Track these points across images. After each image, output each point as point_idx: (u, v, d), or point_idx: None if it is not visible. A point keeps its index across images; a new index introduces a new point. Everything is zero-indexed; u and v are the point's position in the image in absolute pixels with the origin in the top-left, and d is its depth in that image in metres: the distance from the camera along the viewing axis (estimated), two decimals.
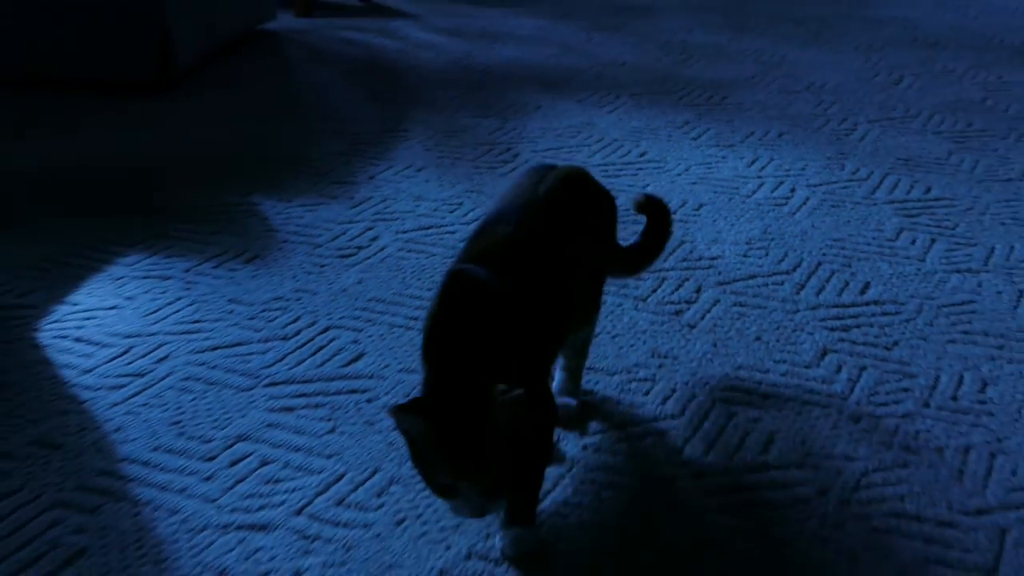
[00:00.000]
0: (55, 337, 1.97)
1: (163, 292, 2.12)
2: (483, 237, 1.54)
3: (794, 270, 2.22)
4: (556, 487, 1.57)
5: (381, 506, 1.54)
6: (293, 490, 1.57)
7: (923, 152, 2.86)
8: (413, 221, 2.44)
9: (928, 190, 2.61)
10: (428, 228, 2.40)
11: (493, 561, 1.43)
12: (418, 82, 3.47)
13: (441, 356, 1.38)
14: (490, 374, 1.35)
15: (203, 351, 1.92)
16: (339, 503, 1.55)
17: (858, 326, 2.01)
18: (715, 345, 1.95)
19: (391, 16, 4.38)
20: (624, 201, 2.54)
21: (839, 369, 1.87)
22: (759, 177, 2.70)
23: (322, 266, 2.23)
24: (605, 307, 2.06)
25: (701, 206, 2.52)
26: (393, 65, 3.68)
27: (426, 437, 1.31)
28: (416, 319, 2.01)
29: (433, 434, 1.30)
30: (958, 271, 2.21)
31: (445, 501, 1.40)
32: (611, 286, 2.14)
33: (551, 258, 1.57)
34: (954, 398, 1.79)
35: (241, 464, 1.63)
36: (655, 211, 1.86)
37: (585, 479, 1.60)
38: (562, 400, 1.72)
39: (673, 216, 1.88)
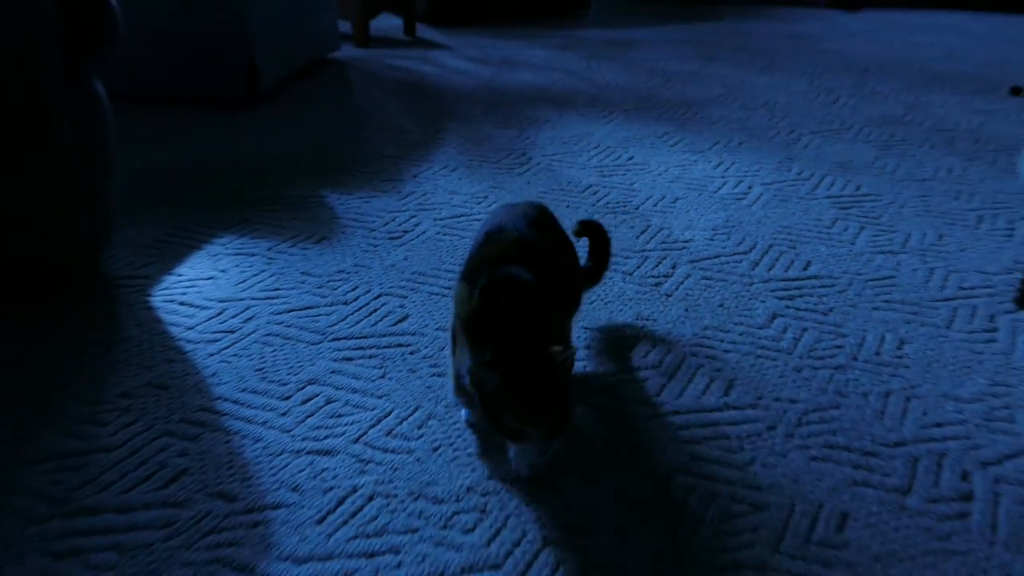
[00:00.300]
0: (164, 301, 1.97)
1: (250, 266, 2.13)
2: (493, 242, 1.55)
3: (750, 251, 2.21)
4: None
5: (421, 436, 1.54)
6: (351, 423, 1.58)
7: (855, 157, 2.84)
8: (448, 210, 2.43)
9: (858, 188, 2.60)
10: (460, 216, 2.40)
11: (508, 480, 1.43)
12: (452, 100, 3.46)
13: (503, 331, 1.40)
14: (542, 340, 1.40)
15: (281, 313, 1.93)
16: (388, 433, 1.55)
17: (801, 295, 2.00)
18: (687, 310, 1.94)
19: (431, 47, 4.37)
20: (616, 196, 2.53)
21: (785, 330, 1.87)
22: (723, 177, 2.68)
23: (375, 246, 2.23)
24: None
25: (677, 199, 2.51)
26: (432, 86, 3.67)
27: (499, 389, 1.33)
28: (449, 288, 2.00)
29: (505, 387, 1.33)
30: (881, 252, 2.20)
31: (512, 444, 1.42)
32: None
33: (553, 251, 1.60)
34: (877, 353, 1.78)
35: (310, 402, 1.63)
36: (593, 232, 1.89)
37: (583, 415, 1.60)
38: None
39: (608, 234, 1.89)
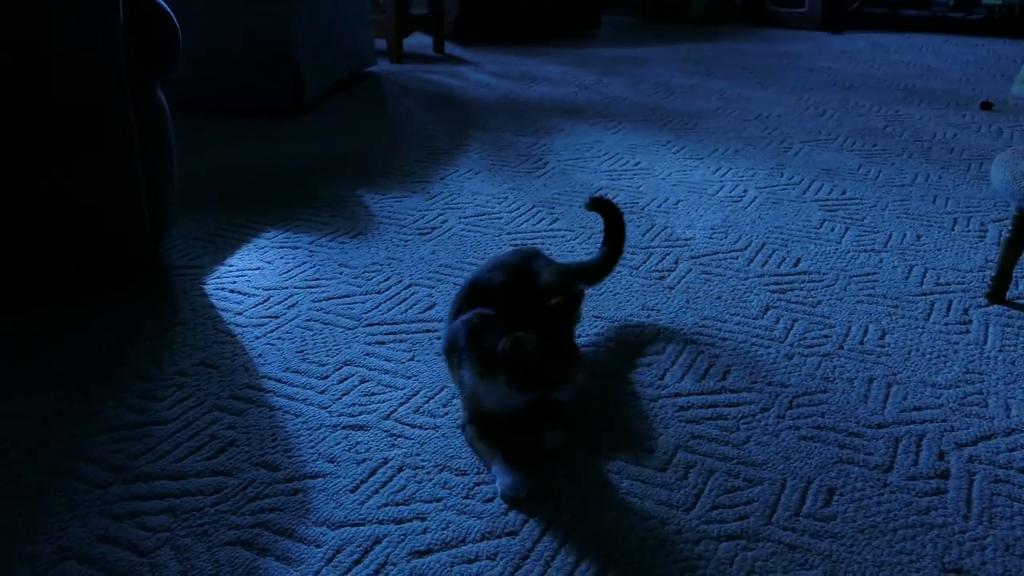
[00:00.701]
0: (216, 289, 1.96)
1: (293, 258, 2.11)
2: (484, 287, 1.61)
3: (746, 248, 2.17)
4: (572, 402, 1.55)
5: (446, 414, 1.52)
6: (383, 401, 1.56)
7: (840, 165, 2.80)
8: (472, 209, 2.41)
9: (844, 192, 2.55)
10: (482, 215, 2.37)
11: (523, 450, 1.41)
12: (476, 110, 3.44)
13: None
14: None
15: (321, 300, 1.91)
16: (416, 411, 1.53)
17: (792, 289, 1.96)
18: (687, 302, 1.91)
19: (458, 63, 4.34)
20: (624, 197, 2.50)
21: (778, 320, 1.83)
22: (721, 181, 2.65)
23: (406, 241, 2.20)
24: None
25: (679, 201, 2.48)
26: (458, 98, 3.64)
27: (539, 347, 1.36)
28: None
29: (542, 345, 1.37)
30: (865, 251, 2.16)
31: (555, 393, 1.45)
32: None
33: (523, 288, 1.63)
34: (861, 343, 1.75)
35: (346, 382, 1.61)
36: (605, 210, 1.82)
37: (594, 396, 1.57)
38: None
39: (623, 212, 1.82)
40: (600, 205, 1.81)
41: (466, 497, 1.32)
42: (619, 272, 2.03)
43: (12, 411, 1.52)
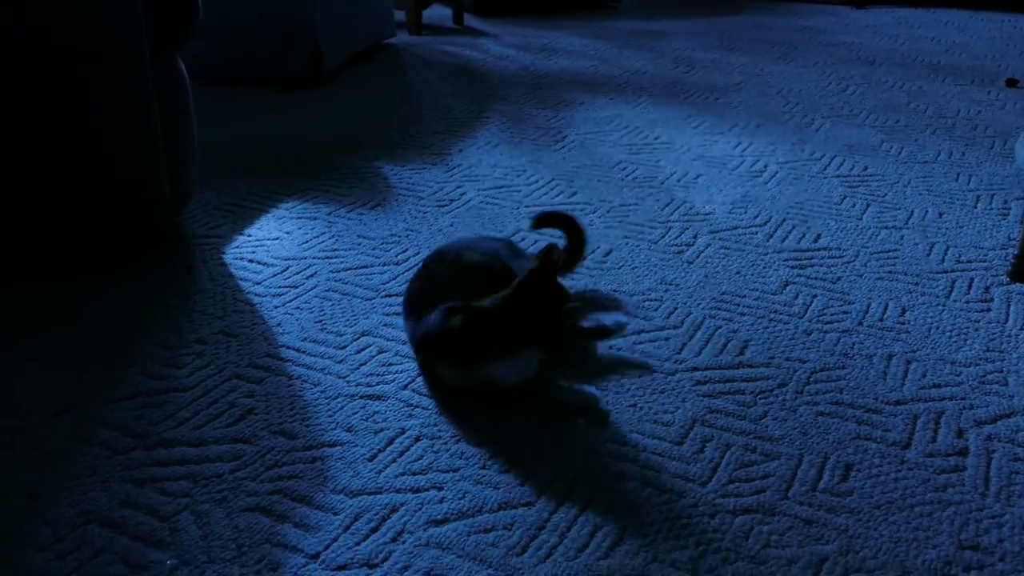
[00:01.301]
0: (235, 259, 1.96)
1: (311, 228, 2.11)
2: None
3: (765, 224, 2.16)
4: (595, 377, 1.55)
5: None
6: (400, 371, 1.56)
7: (862, 140, 2.77)
8: (491, 181, 2.40)
9: (865, 168, 2.53)
10: (501, 187, 2.37)
11: (536, 420, 1.41)
12: (495, 82, 3.42)
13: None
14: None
15: (339, 271, 1.91)
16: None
17: (812, 265, 1.95)
18: (706, 276, 1.90)
19: (477, 35, 4.31)
20: (643, 171, 2.48)
21: (797, 296, 1.82)
22: (741, 156, 2.63)
23: (424, 212, 2.20)
24: (629, 245, 2.02)
25: (698, 176, 2.46)
26: (477, 70, 3.62)
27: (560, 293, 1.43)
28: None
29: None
30: (886, 227, 2.14)
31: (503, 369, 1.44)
32: (631, 235, 2.10)
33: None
34: (881, 319, 1.74)
35: (364, 352, 1.62)
36: (552, 221, 1.84)
37: (612, 370, 1.57)
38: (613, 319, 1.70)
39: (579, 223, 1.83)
40: (546, 220, 1.83)
41: (483, 468, 1.33)
42: (638, 246, 2.02)
43: (35, 377, 1.53)
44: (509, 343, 1.42)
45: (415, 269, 1.90)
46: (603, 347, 1.63)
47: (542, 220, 1.83)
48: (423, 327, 1.49)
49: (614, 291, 1.83)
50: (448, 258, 1.63)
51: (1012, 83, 3.44)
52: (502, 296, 1.43)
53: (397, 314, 1.73)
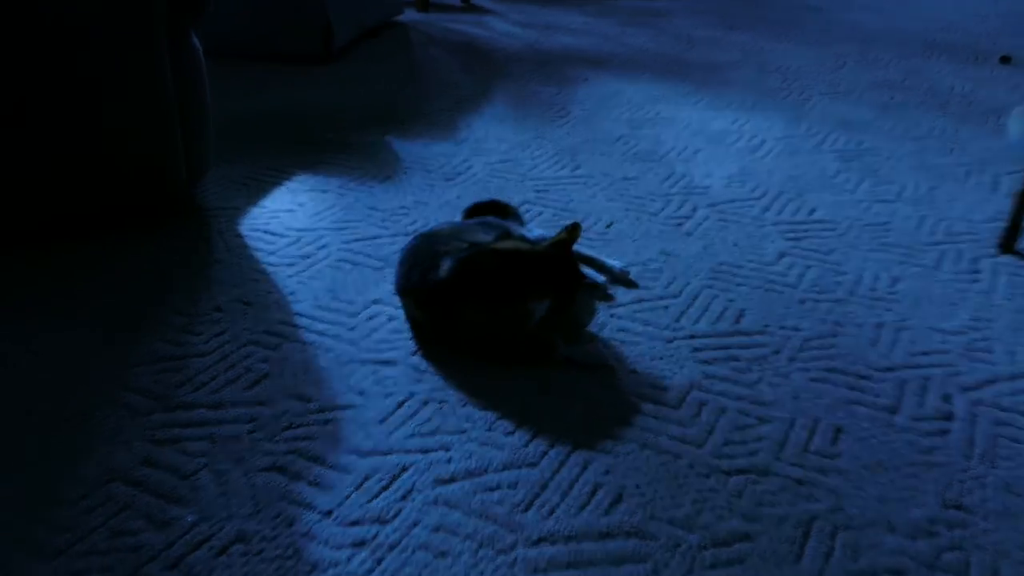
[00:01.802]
0: (250, 230, 1.97)
1: (323, 200, 2.12)
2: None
3: (762, 197, 2.16)
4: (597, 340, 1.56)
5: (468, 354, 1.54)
6: (409, 338, 1.57)
7: (857, 117, 2.76)
8: (497, 156, 2.40)
9: (860, 143, 2.53)
10: (506, 160, 2.37)
11: (539, 385, 1.43)
12: (500, 59, 3.41)
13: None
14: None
15: (350, 242, 1.92)
16: (441, 348, 1.54)
17: (807, 237, 1.96)
18: (705, 247, 1.91)
19: (483, 13, 4.29)
20: (645, 145, 2.48)
21: (792, 267, 1.83)
22: (739, 131, 2.62)
23: (432, 185, 2.21)
24: (630, 217, 2.03)
25: (698, 151, 2.46)
26: (483, 47, 3.61)
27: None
28: None
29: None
30: (879, 201, 2.15)
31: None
32: (632, 208, 2.10)
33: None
34: (872, 289, 1.75)
35: (374, 320, 1.63)
36: (488, 209, 1.89)
37: (613, 337, 1.59)
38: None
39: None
40: (482, 209, 1.87)
41: (488, 430, 1.35)
42: (638, 218, 2.03)
43: (61, 343, 1.55)
44: (541, 289, 1.47)
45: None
46: (603, 312, 1.65)
47: (474, 209, 1.88)
48: (445, 268, 1.48)
49: (614, 262, 1.85)
50: (445, 225, 1.68)
51: (1005, 60, 3.42)
52: (536, 247, 1.50)
53: None
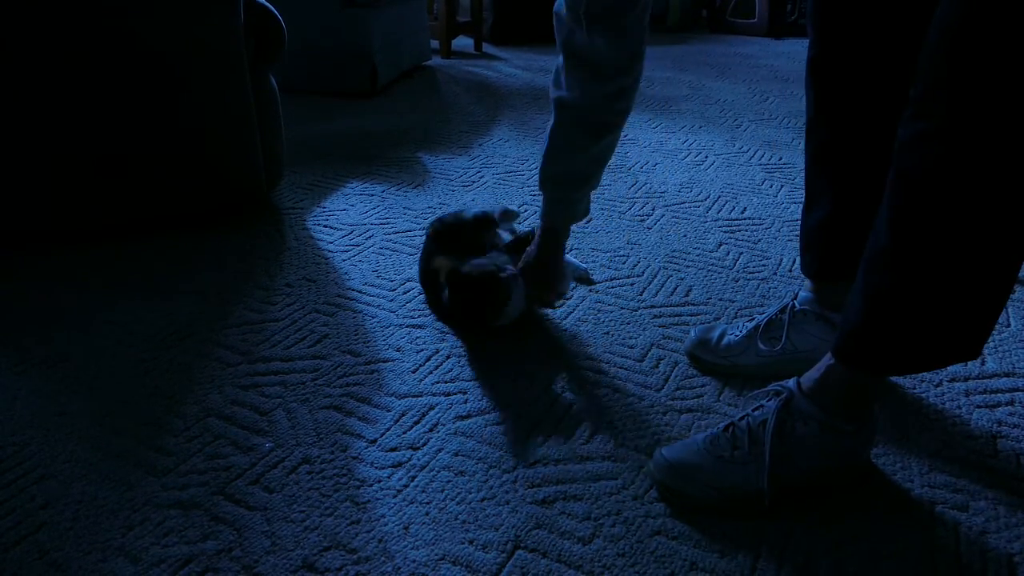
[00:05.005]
0: (313, 224, 1.95)
1: (370, 202, 2.09)
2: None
3: (706, 200, 2.13)
4: (575, 311, 1.54)
5: None
6: None
7: (779, 138, 2.72)
8: (504, 167, 2.37)
9: (780, 158, 2.49)
10: (511, 172, 2.33)
11: (532, 346, 1.40)
12: (506, 94, 3.36)
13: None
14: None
15: (391, 234, 1.89)
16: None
17: (740, 230, 1.93)
18: (661, 238, 1.88)
19: (492, 59, 4.23)
20: (615, 160, 2.45)
21: (728, 253, 1.80)
22: (688, 149, 2.58)
23: (453, 190, 2.18)
24: (603, 216, 2.00)
25: (656, 164, 2.42)
26: (493, 85, 3.56)
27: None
28: None
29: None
30: (795, 203, 2.11)
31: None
32: (606, 208, 2.07)
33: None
34: (790, 271, 1.72)
35: (408, 293, 1.61)
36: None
37: (588, 308, 1.56)
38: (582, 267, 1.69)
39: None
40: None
41: (496, 378, 1.32)
42: (610, 216, 2.00)
43: (167, 310, 1.53)
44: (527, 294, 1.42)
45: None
46: (584, 289, 1.62)
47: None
48: (466, 273, 1.40)
49: (592, 249, 1.82)
50: (449, 216, 1.64)
51: None
52: (526, 259, 1.44)
53: None
